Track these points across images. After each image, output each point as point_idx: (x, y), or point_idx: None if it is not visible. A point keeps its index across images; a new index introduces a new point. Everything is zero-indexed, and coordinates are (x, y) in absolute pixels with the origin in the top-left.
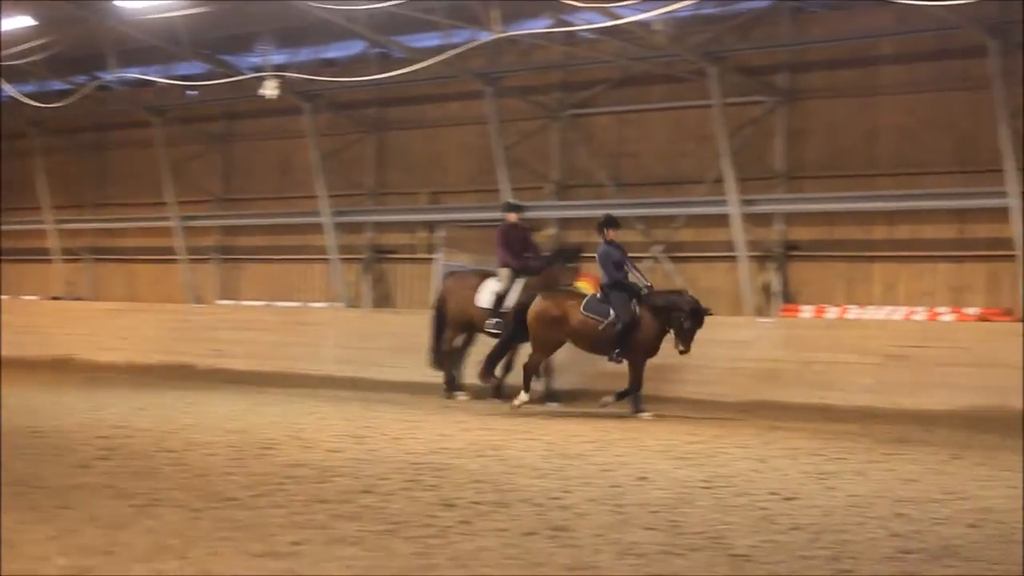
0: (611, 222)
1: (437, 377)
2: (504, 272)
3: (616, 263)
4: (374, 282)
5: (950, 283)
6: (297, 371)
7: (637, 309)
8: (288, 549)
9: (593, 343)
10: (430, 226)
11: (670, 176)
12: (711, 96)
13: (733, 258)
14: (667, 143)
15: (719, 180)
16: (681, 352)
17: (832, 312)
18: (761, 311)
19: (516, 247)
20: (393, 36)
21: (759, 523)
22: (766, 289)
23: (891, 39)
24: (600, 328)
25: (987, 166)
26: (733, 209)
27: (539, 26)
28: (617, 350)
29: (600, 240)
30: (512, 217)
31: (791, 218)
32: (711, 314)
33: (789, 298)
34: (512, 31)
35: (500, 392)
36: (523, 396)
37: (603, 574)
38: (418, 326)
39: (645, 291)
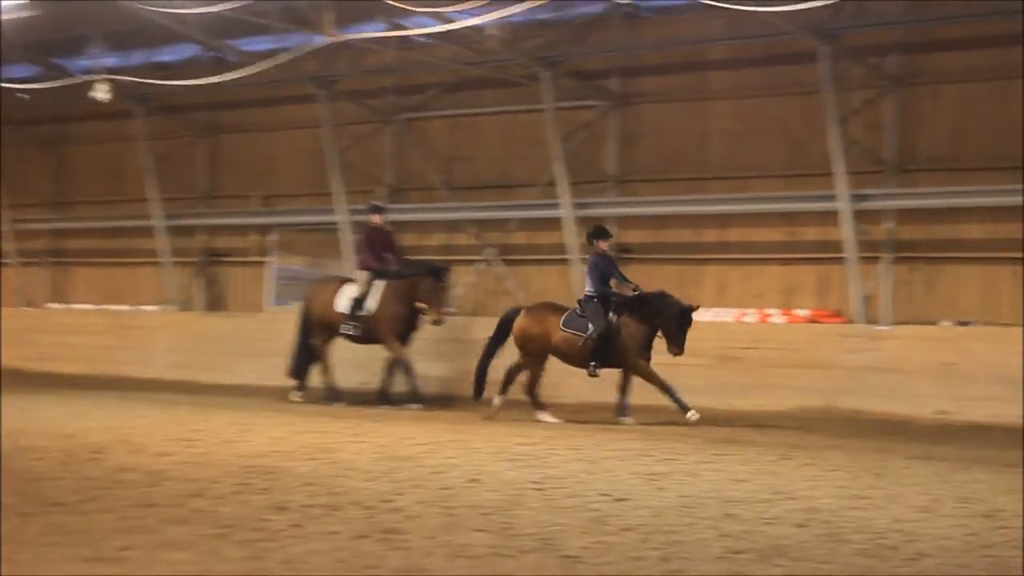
0: (602, 233)
1: (270, 380)
2: (362, 275)
3: (603, 275)
4: (206, 285)
5: (780, 285)
6: (128, 375)
7: (615, 319)
8: (116, 554)
9: (576, 358)
10: (263, 230)
11: (503, 180)
12: (544, 100)
13: (565, 261)
14: (500, 147)
15: (551, 184)
16: (675, 354)
17: None
18: None
19: (378, 249)
20: (226, 39)
21: (590, 524)
22: None
23: (723, 44)
24: (580, 344)
25: (817, 170)
26: (565, 212)
27: (372, 30)
28: (593, 363)
29: (592, 249)
30: (376, 219)
31: (623, 221)
32: (698, 307)
33: None
34: (345, 35)
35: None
36: (494, 401)
37: None
38: (251, 329)
39: (629, 295)
